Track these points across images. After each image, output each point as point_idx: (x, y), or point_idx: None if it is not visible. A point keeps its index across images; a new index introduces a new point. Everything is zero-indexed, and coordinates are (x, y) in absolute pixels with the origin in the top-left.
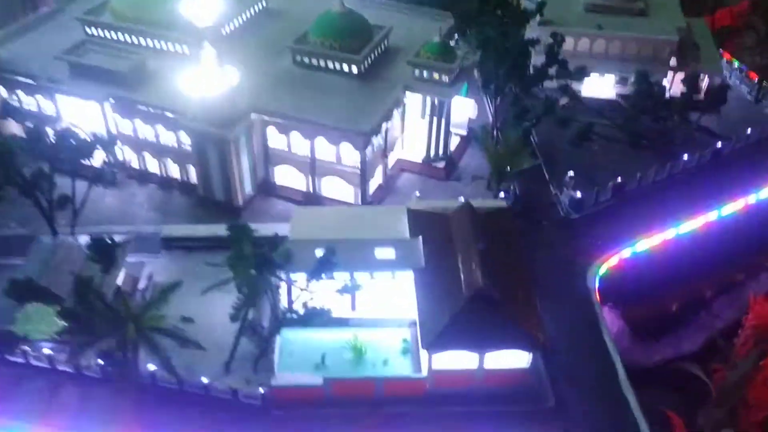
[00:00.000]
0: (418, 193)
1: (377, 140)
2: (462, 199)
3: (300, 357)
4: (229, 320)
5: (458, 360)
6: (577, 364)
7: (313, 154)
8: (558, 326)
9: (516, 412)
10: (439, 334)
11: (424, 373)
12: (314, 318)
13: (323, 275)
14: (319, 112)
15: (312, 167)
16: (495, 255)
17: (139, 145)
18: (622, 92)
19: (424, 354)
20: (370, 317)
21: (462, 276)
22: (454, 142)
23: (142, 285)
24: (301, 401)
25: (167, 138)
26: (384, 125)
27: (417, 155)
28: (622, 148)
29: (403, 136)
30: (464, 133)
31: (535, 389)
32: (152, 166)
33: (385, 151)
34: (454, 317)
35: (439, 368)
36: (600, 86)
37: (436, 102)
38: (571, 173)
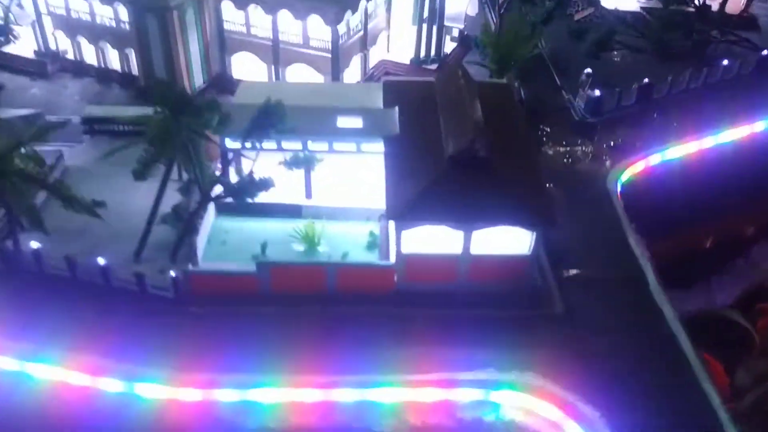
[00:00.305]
0: None
1: (354, 19)
2: None
3: (234, 247)
4: (148, 211)
5: (437, 242)
6: (592, 268)
7: (275, 34)
8: (570, 230)
9: (511, 317)
10: (412, 200)
11: (392, 259)
12: (251, 189)
13: (263, 137)
14: None
15: (275, 53)
16: (492, 125)
17: (72, 28)
18: (647, 5)
19: (393, 241)
20: (329, 206)
21: (445, 137)
22: (449, 46)
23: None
24: (228, 297)
25: (103, 13)
26: (363, 2)
27: (405, 56)
28: (648, 60)
29: (389, 34)
30: (461, 27)
31: (536, 290)
32: (90, 56)
33: (365, 40)
34: (433, 181)
35: (411, 253)
36: None
37: None
38: (588, 70)
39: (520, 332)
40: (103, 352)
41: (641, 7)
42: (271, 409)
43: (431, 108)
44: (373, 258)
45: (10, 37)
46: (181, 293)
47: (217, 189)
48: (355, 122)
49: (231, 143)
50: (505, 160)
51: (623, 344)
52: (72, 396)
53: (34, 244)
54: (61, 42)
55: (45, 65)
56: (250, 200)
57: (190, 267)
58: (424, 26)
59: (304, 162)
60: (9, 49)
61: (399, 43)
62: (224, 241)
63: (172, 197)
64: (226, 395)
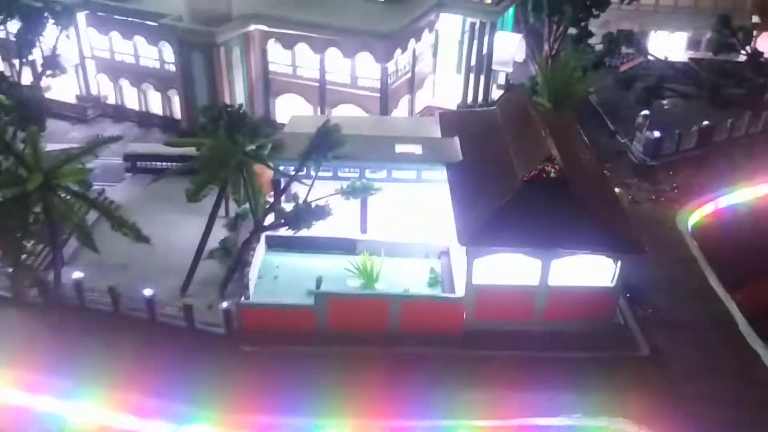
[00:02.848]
0: None
1: (403, 60)
2: None
3: (286, 283)
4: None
5: (511, 274)
6: (675, 309)
7: (323, 73)
8: (645, 270)
9: (593, 359)
10: (485, 224)
11: (461, 292)
12: (307, 217)
13: (320, 161)
14: (332, 18)
15: (322, 93)
16: (563, 152)
17: (115, 71)
18: (695, 56)
19: (462, 272)
20: (386, 241)
21: (515, 162)
22: (495, 92)
23: None
24: (283, 334)
25: (148, 54)
26: (412, 42)
27: (450, 102)
28: (701, 107)
29: (435, 79)
30: (510, 70)
31: (618, 330)
32: (131, 100)
33: (412, 82)
34: (507, 204)
35: (483, 284)
36: (668, 47)
37: (476, 30)
38: (645, 112)
39: (605, 375)
40: (148, 392)
41: (690, 58)
42: None
43: (494, 136)
44: (436, 293)
45: (58, 71)
46: (232, 329)
47: (270, 218)
48: (415, 149)
49: (284, 171)
50: (580, 186)
51: (719, 389)
52: None
53: (77, 275)
54: (104, 86)
55: (86, 110)
56: (305, 229)
57: (243, 300)
58: (471, 73)
59: (361, 191)
60: (51, 94)
61: (444, 89)
62: (276, 277)
63: (219, 233)
64: None
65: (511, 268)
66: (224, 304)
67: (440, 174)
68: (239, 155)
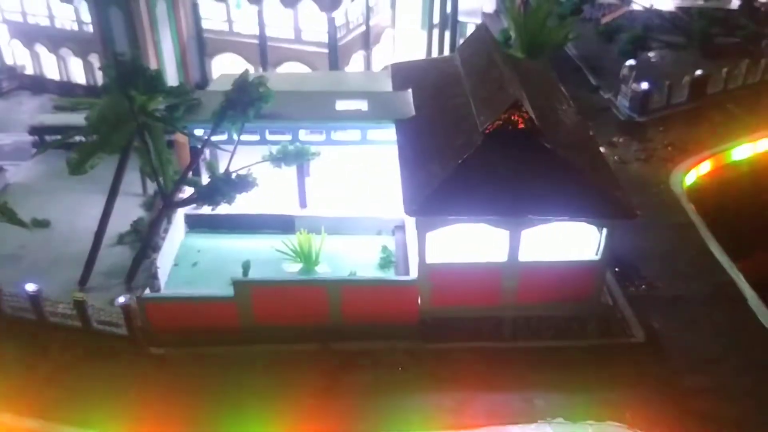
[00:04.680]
0: None
1: (355, 10)
2: None
3: (208, 269)
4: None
5: (475, 249)
6: (673, 284)
7: (262, 28)
8: (635, 239)
9: (577, 349)
10: (437, 188)
11: (414, 273)
12: (227, 190)
13: (240, 120)
14: None
15: (263, 51)
16: (536, 102)
17: (30, 35)
18: (683, 4)
19: (414, 250)
20: (330, 216)
21: (476, 114)
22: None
23: None
24: (199, 333)
25: (64, 14)
26: None
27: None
28: (693, 59)
29: (395, 33)
30: (478, 21)
31: (606, 312)
32: (50, 70)
33: (367, 37)
34: (464, 163)
35: (440, 263)
36: None
37: None
38: (631, 62)
39: (592, 368)
40: (29, 411)
41: (677, 7)
42: None
43: (453, 86)
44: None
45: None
46: (134, 329)
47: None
48: (359, 105)
49: (199, 135)
50: (556, 140)
51: (730, 381)
52: None
53: None
54: (19, 54)
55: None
56: (226, 204)
57: (147, 293)
58: (435, 28)
59: (294, 156)
60: None
61: (406, 45)
62: (195, 263)
63: (136, 215)
64: None
65: (474, 243)
66: (121, 299)
67: (389, 133)
68: (138, 116)
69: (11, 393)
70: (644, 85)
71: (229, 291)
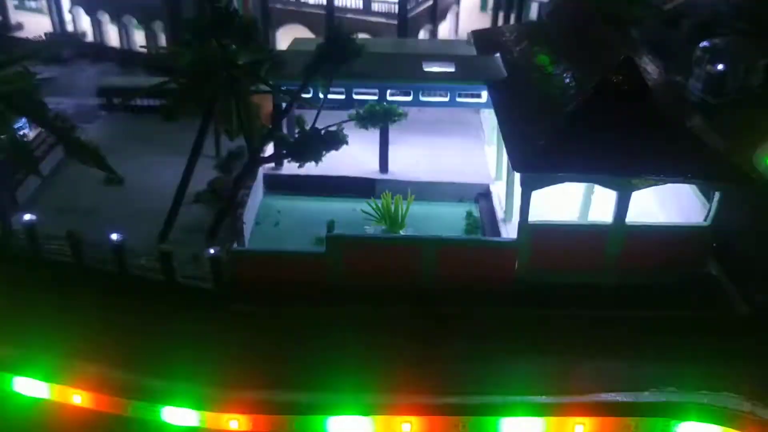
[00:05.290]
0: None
1: None
2: None
3: (290, 229)
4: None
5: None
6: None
7: None
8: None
9: (680, 319)
10: (545, 145)
11: (512, 235)
12: (316, 145)
13: (330, 76)
14: None
15: (330, 22)
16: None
17: (93, 2)
18: None
19: (510, 217)
20: (412, 180)
21: (578, 74)
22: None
23: None
24: (286, 291)
25: None
26: None
27: None
28: (764, 45)
29: (458, 10)
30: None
31: (708, 282)
32: (112, 38)
33: (434, 11)
34: (572, 118)
35: (541, 224)
36: None
37: None
38: (705, 43)
39: (698, 340)
40: (114, 363)
41: None
42: None
43: (545, 50)
44: None
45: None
46: (222, 284)
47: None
48: (447, 67)
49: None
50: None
51: None
52: (72, 422)
53: (28, 218)
54: (80, 22)
55: (60, 50)
56: (314, 161)
57: (235, 246)
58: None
59: (381, 117)
60: (23, 33)
61: (468, 25)
62: (277, 223)
63: (209, 176)
64: (282, 425)
65: (574, 204)
66: (212, 251)
67: (479, 98)
68: (228, 67)
69: (94, 345)
70: (720, 67)
71: (317, 248)
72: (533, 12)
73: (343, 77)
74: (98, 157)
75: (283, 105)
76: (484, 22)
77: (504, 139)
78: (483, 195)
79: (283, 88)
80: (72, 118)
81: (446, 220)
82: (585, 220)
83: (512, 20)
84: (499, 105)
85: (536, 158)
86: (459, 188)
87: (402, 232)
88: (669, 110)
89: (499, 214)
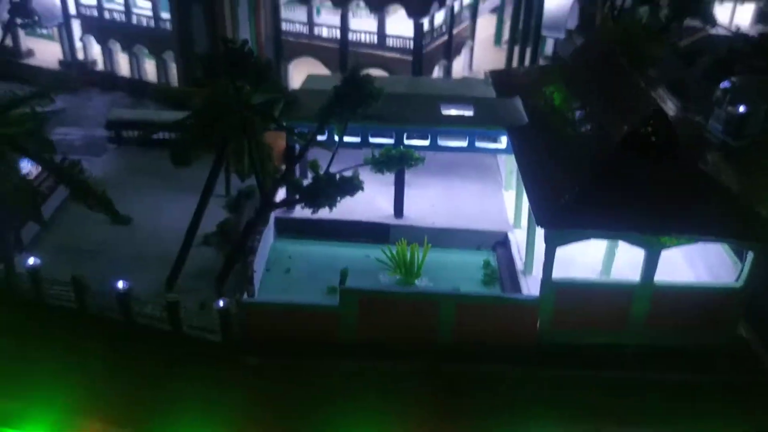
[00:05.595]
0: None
1: (439, 19)
2: None
3: (301, 276)
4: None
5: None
6: None
7: (344, 33)
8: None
9: (711, 384)
10: (571, 199)
11: (533, 290)
12: (330, 190)
13: (346, 118)
14: None
15: (343, 56)
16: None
17: (104, 31)
18: (766, 30)
19: (528, 273)
20: (427, 227)
21: (606, 123)
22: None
23: None
24: (297, 345)
25: (141, 9)
26: None
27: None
28: None
29: (473, 45)
30: (561, 36)
31: (738, 345)
32: (122, 67)
33: (449, 47)
34: (600, 173)
35: (566, 281)
36: (732, 17)
37: None
38: (726, 83)
39: (729, 407)
40: (117, 419)
41: (759, 33)
42: None
43: (568, 93)
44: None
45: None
46: (231, 335)
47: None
48: (466, 111)
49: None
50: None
51: None
52: None
53: (32, 261)
54: (91, 50)
55: (70, 77)
56: (327, 207)
57: (245, 297)
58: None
59: (397, 161)
60: (33, 60)
61: (483, 60)
62: (288, 269)
63: (218, 216)
64: None
65: (599, 260)
66: (221, 302)
67: (499, 143)
68: (242, 108)
69: (97, 400)
70: (742, 108)
71: (326, 300)
72: (549, 47)
73: (359, 119)
74: (105, 202)
75: (297, 147)
76: (498, 56)
77: (526, 190)
78: (501, 243)
79: (296, 131)
80: (80, 149)
81: (463, 269)
82: (608, 273)
83: (527, 55)
84: (520, 152)
85: (562, 213)
86: (476, 235)
87: (417, 282)
88: (691, 154)
89: (519, 265)
